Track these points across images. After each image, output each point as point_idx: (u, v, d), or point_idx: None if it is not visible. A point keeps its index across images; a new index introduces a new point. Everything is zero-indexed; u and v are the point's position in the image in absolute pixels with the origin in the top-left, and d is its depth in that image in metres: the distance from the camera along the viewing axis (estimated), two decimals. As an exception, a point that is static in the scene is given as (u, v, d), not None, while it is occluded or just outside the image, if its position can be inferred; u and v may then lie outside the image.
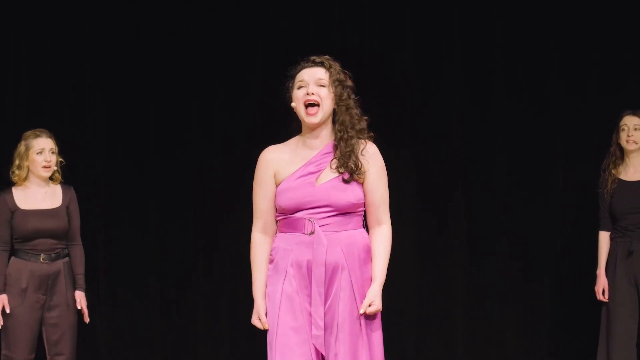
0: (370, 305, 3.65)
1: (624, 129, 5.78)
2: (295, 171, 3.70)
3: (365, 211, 3.77)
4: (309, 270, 3.64)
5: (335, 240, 3.66)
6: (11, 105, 6.55)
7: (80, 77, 6.66)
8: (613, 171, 5.79)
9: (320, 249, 3.63)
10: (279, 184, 3.72)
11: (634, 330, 5.68)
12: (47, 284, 5.27)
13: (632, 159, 5.80)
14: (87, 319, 5.39)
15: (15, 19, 6.56)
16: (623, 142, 5.78)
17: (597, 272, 5.77)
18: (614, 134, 5.83)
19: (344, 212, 3.68)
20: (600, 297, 5.74)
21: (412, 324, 6.62)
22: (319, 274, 3.62)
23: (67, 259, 5.37)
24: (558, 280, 6.53)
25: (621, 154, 5.82)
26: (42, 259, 5.26)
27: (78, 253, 5.40)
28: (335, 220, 3.67)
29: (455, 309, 6.60)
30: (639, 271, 5.66)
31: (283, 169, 3.72)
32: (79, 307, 5.34)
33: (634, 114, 5.79)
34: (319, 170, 3.70)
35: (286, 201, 3.68)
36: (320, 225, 3.65)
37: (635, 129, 5.76)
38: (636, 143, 5.76)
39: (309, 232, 3.66)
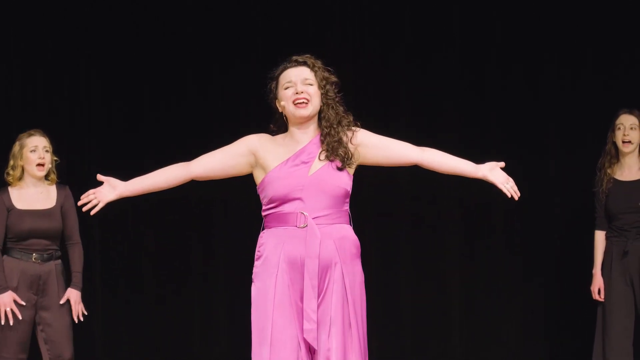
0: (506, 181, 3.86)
1: (619, 128, 5.72)
2: (287, 160, 3.68)
3: (397, 166, 3.86)
4: (302, 264, 3.61)
5: (327, 234, 3.64)
6: (9, 105, 6.59)
7: (79, 77, 6.69)
8: (608, 170, 5.75)
9: (314, 241, 3.61)
10: (266, 172, 3.68)
11: (630, 330, 5.65)
12: (39, 284, 5.25)
13: (628, 158, 5.75)
14: (76, 319, 5.32)
15: (15, 19, 6.59)
16: (619, 142, 5.72)
17: (593, 271, 5.75)
18: (609, 133, 5.78)
19: (334, 199, 3.67)
20: (596, 296, 5.72)
21: (409, 323, 6.62)
22: (312, 267, 3.60)
23: (59, 261, 5.34)
24: (555, 279, 6.53)
25: (616, 153, 5.76)
26: (34, 258, 5.25)
27: (76, 251, 5.39)
28: (326, 213, 3.65)
29: (453, 307, 6.60)
30: (635, 271, 5.63)
31: (270, 158, 3.70)
32: (65, 300, 5.27)
33: (631, 112, 5.73)
34: (311, 160, 3.68)
35: (277, 189, 3.64)
36: (312, 217, 3.62)
37: (632, 128, 5.70)
38: (632, 144, 5.72)
39: (301, 224, 3.63)
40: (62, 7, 6.63)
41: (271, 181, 3.67)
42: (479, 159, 6.48)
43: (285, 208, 3.66)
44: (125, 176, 6.57)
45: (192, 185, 6.64)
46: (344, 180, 3.69)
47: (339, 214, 3.70)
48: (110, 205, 6.59)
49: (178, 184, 3.86)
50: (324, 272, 3.64)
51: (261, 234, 3.74)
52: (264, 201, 3.72)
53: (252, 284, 3.72)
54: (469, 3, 6.66)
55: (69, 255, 5.39)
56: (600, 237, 5.76)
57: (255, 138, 3.78)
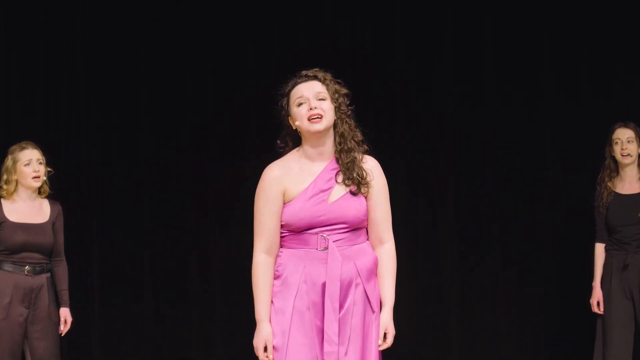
0: (385, 335, 3.70)
1: (617, 143, 5.75)
2: (306, 189, 3.65)
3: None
4: (323, 286, 3.61)
5: (347, 255, 3.64)
6: (9, 118, 6.57)
7: (73, 83, 6.72)
8: (609, 184, 5.77)
9: (335, 264, 3.60)
10: (288, 202, 3.66)
11: (629, 343, 5.67)
12: (31, 297, 5.26)
13: (628, 171, 5.78)
14: (62, 332, 5.36)
15: (7, 23, 6.60)
16: (618, 156, 5.75)
17: (593, 284, 5.77)
18: (606, 147, 5.80)
19: (355, 227, 3.67)
20: (595, 309, 5.74)
21: (405, 332, 6.60)
22: (333, 289, 3.60)
23: (49, 274, 5.37)
24: (554, 292, 6.55)
25: (616, 167, 5.79)
26: (27, 271, 5.26)
27: (62, 269, 5.42)
28: (346, 236, 3.65)
29: (449, 317, 6.61)
30: (634, 284, 5.65)
31: (291, 186, 3.66)
32: (62, 326, 5.33)
33: (626, 126, 5.76)
34: (330, 188, 3.67)
35: (298, 221, 3.63)
36: (332, 240, 3.63)
37: (629, 142, 5.73)
38: (631, 156, 5.75)
39: (322, 248, 3.63)
40: (54, 9, 6.69)
41: (292, 212, 3.65)
42: (472, 166, 6.55)
43: (306, 231, 3.65)
44: (123, 187, 6.64)
45: (189, 195, 6.70)
46: (363, 208, 3.69)
47: (358, 234, 3.70)
48: (109, 216, 6.66)
49: None
50: (343, 292, 3.64)
51: (279, 252, 3.70)
52: (282, 223, 3.69)
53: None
54: (461, 6, 6.67)
55: (53, 273, 5.40)
56: (600, 249, 5.78)
57: (272, 179, 3.69)
